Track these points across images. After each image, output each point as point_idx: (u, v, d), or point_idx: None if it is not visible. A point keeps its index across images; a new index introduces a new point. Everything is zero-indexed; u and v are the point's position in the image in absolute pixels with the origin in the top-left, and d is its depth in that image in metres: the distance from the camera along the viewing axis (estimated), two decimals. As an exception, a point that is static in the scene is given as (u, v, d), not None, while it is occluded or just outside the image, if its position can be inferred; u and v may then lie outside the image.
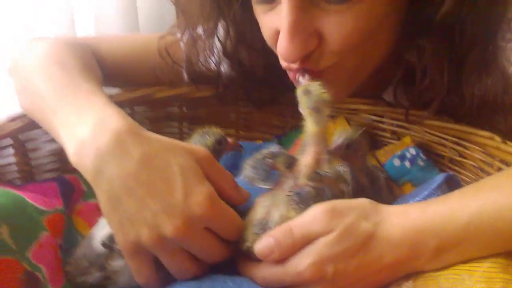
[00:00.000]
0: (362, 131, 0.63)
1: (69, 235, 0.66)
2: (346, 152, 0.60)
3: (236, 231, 0.54)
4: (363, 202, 0.53)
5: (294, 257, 0.51)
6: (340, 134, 0.62)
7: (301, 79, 0.63)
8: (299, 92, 0.57)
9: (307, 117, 0.57)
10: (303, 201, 0.53)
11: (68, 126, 0.57)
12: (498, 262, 0.49)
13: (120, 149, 0.51)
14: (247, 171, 0.57)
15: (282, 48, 0.59)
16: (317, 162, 0.57)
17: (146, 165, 0.51)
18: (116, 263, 0.56)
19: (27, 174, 0.72)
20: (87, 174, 0.53)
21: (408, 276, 0.52)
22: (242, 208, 0.58)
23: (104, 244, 0.56)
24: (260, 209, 0.55)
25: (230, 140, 0.66)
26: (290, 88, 0.64)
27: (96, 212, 0.66)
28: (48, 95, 0.62)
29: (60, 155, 0.76)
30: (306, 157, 0.57)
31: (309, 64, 0.62)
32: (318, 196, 0.54)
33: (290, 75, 0.66)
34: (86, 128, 0.54)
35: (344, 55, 0.61)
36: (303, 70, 0.63)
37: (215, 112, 0.87)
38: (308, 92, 0.56)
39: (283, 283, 0.52)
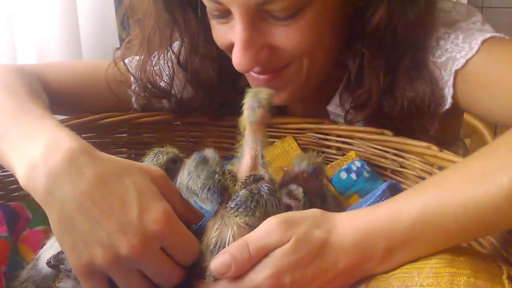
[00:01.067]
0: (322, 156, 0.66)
1: (14, 263, 0.64)
2: (308, 176, 0.63)
3: (192, 253, 0.54)
4: (314, 211, 0.54)
5: (251, 271, 0.51)
6: (302, 158, 0.64)
7: None
8: (248, 91, 0.60)
9: (244, 113, 0.59)
10: (241, 206, 0.54)
11: (18, 149, 0.55)
12: (444, 258, 0.51)
13: (73, 168, 0.50)
14: (201, 194, 0.56)
15: (237, 60, 0.66)
16: (253, 165, 0.59)
17: (100, 184, 0.50)
18: (64, 285, 0.55)
19: (-31, 203, 0.69)
20: (38, 196, 0.52)
21: (360, 281, 0.54)
22: (194, 228, 0.58)
23: (48, 263, 0.55)
24: (212, 232, 0.55)
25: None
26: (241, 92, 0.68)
27: (41, 239, 0.64)
28: None
29: (3, 182, 0.73)
30: (242, 162, 0.59)
31: (268, 66, 0.70)
32: (254, 198, 0.55)
33: (249, 77, 0.73)
34: (38, 150, 0.52)
35: (299, 56, 0.68)
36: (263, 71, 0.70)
37: (163, 137, 0.87)
38: (255, 92, 0.59)
39: None
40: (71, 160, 0.51)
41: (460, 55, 0.68)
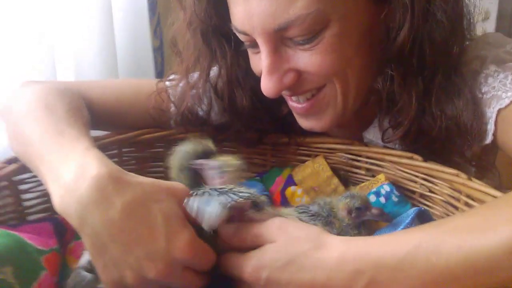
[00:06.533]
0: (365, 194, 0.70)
1: (63, 274, 0.68)
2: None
3: (212, 264, 0.58)
4: (315, 227, 0.59)
5: (242, 255, 0.57)
6: (351, 198, 0.68)
7: None
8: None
9: None
10: None
11: (52, 173, 0.59)
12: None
13: (101, 198, 0.54)
14: None
15: (263, 85, 0.71)
16: None
17: (128, 214, 0.54)
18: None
19: (21, 215, 0.73)
20: (72, 221, 0.56)
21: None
22: None
23: (84, 268, 0.59)
24: None
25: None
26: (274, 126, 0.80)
27: (86, 250, 0.68)
28: (35, 141, 0.64)
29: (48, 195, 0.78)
30: None
31: (298, 90, 0.73)
32: None
33: (290, 106, 0.78)
34: (68, 176, 0.56)
35: (328, 78, 0.71)
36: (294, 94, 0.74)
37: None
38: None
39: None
40: (98, 188, 0.54)
41: (506, 95, 0.70)
